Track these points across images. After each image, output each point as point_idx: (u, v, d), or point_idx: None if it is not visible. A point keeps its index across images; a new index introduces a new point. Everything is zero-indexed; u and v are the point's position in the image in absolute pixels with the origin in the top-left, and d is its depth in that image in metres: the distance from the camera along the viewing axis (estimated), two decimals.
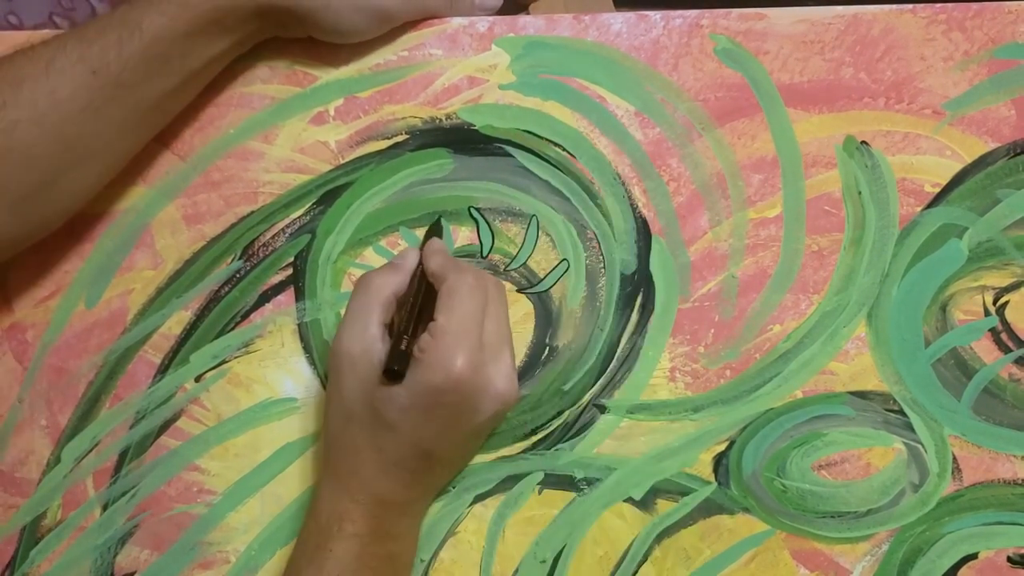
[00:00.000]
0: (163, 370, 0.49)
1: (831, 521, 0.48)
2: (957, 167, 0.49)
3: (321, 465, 0.45)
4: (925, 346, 0.48)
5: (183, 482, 0.48)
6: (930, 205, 0.49)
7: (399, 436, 0.41)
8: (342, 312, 0.49)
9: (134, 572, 0.48)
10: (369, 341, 0.42)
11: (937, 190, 0.49)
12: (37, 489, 0.48)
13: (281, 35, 0.48)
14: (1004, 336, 0.48)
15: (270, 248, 0.50)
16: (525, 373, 0.48)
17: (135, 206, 0.50)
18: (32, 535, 0.48)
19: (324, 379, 0.49)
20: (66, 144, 0.43)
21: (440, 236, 0.48)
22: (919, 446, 0.48)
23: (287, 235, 0.50)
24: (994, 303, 0.48)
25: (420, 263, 0.45)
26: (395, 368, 0.40)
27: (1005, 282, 0.48)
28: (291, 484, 0.48)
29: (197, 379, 0.49)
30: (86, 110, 0.42)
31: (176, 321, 0.49)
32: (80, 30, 0.43)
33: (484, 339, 0.42)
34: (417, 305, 0.43)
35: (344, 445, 0.42)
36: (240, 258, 0.50)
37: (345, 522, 0.41)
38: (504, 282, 0.49)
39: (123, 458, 0.49)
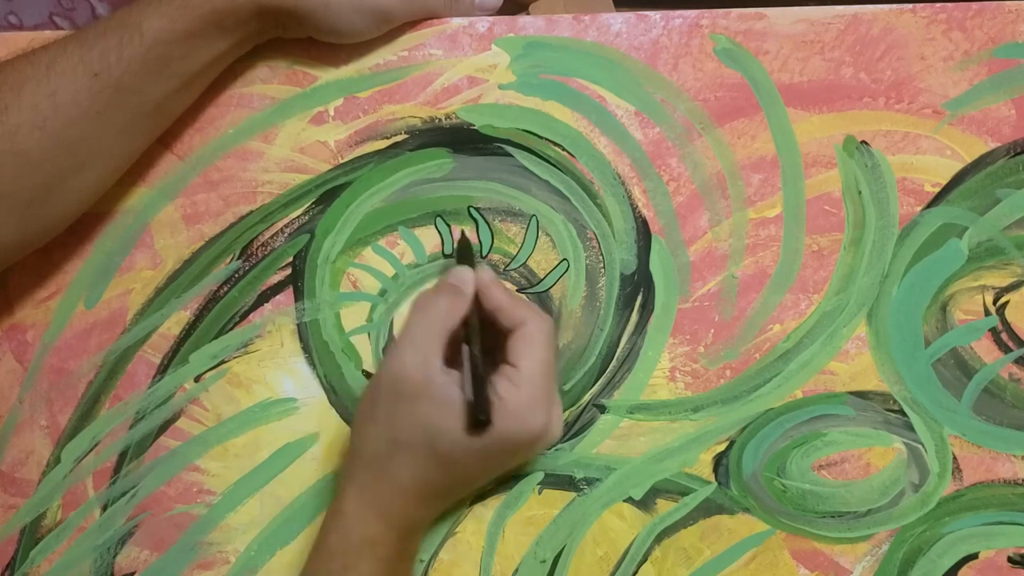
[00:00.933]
0: (163, 370, 0.49)
1: (831, 521, 0.48)
2: (957, 167, 0.49)
3: (347, 480, 0.43)
4: (925, 346, 0.48)
5: (183, 482, 0.48)
6: (930, 205, 0.49)
7: (455, 472, 0.41)
8: (341, 312, 0.49)
9: (134, 572, 0.48)
10: (433, 371, 0.40)
11: (937, 190, 0.49)
12: (37, 489, 0.48)
13: (281, 36, 0.48)
14: (1004, 336, 0.48)
15: (269, 248, 0.50)
16: None
17: (135, 206, 0.50)
18: (32, 535, 0.48)
19: (324, 380, 0.49)
20: (68, 148, 0.43)
21: (471, 252, 0.47)
22: (919, 446, 0.48)
23: (286, 235, 0.50)
24: (994, 303, 0.48)
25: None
26: (481, 418, 0.39)
27: (1005, 282, 0.48)
28: (291, 484, 0.48)
29: (197, 379, 0.49)
30: (87, 113, 0.42)
31: (175, 321, 0.49)
32: (80, 33, 0.43)
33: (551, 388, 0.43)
34: (483, 343, 0.42)
35: (386, 471, 0.41)
36: (239, 258, 0.50)
37: (377, 546, 0.41)
38: (505, 282, 0.49)
39: (123, 458, 0.49)
